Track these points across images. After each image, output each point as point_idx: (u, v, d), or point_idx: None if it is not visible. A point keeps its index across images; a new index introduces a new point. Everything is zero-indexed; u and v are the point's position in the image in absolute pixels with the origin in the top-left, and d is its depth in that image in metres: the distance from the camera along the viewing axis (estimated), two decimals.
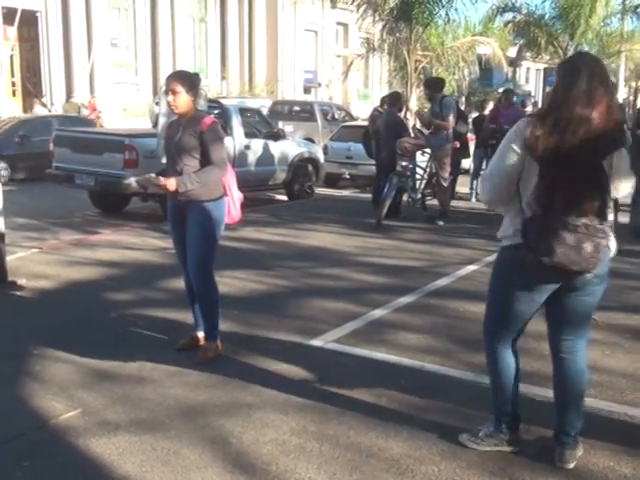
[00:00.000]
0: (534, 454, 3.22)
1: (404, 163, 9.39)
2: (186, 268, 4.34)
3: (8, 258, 6.13)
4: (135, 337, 4.72)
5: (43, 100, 21.20)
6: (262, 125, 11.36)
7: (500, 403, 3.22)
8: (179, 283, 4.74)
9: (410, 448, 3.27)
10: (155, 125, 10.52)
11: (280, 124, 16.36)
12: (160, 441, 3.30)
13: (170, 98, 4.10)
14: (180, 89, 4.08)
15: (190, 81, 4.16)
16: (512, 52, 28.79)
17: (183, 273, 4.44)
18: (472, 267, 6.63)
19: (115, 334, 4.75)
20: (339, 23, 35.69)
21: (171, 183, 4.04)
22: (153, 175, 4.21)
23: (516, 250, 2.88)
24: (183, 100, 4.11)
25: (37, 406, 3.65)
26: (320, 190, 12.68)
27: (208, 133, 4.11)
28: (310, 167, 11.94)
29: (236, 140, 10.40)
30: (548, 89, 26.73)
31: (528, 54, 25.25)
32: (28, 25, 23.31)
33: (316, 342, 4.66)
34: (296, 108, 19.54)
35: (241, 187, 4.62)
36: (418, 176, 9.98)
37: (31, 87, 23.70)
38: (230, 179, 4.38)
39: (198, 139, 4.11)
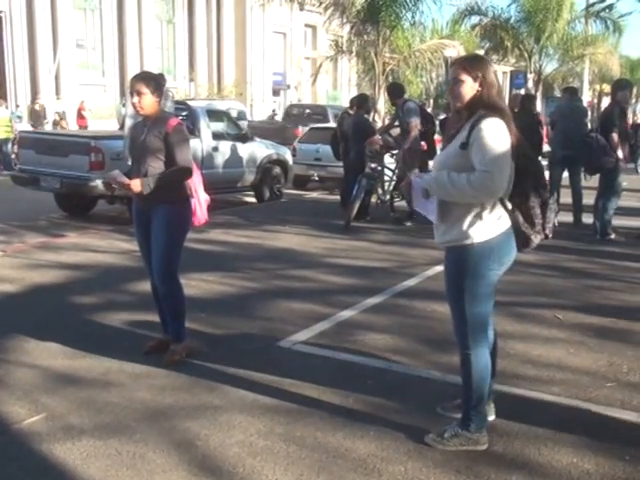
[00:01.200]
0: (499, 452, 3.26)
1: (373, 165, 9.43)
2: (152, 271, 4.30)
3: None
4: (101, 340, 4.66)
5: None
6: (230, 127, 11.33)
7: (476, 403, 3.25)
8: (145, 286, 4.70)
9: (377, 448, 3.28)
10: (122, 127, 10.45)
11: (300, 128, 16.48)
12: (125, 445, 3.27)
13: (135, 99, 4.06)
14: (145, 90, 4.05)
15: (155, 82, 4.13)
16: None
17: (149, 276, 4.40)
18: (439, 267, 6.65)
19: (81, 337, 4.69)
20: (307, 25, 35.81)
21: (135, 184, 4.01)
22: (117, 171, 4.16)
23: (502, 239, 3.08)
24: (148, 101, 4.08)
25: (0, 411, 3.59)
26: (289, 192, 12.68)
27: (173, 134, 4.09)
28: (279, 169, 11.93)
29: (204, 142, 10.35)
30: (515, 91, 27.08)
31: (494, 57, 25.57)
32: None
33: (284, 343, 4.65)
34: (309, 111, 20.05)
35: (209, 189, 4.59)
36: (386, 178, 10.04)
37: None
38: (196, 181, 4.35)
39: (163, 140, 4.08)
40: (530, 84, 25.57)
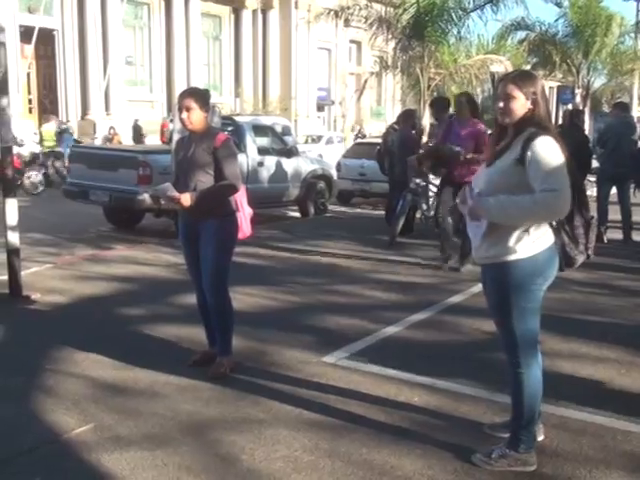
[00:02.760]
0: (549, 474, 3.18)
1: (417, 180, 9.38)
2: (199, 284, 4.34)
3: (23, 273, 6.17)
4: (147, 352, 4.71)
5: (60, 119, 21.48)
6: (275, 142, 11.42)
7: (527, 423, 3.19)
8: (192, 299, 4.74)
9: (423, 466, 3.24)
10: (169, 142, 10.62)
11: None
12: (172, 457, 3.29)
13: (184, 115, 4.11)
14: (194, 105, 4.10)
15: (203, 97, 4.18)
16: None
17: (195, 289, 4.44)
18: None
19: (128, 349, 4.75)
20: (352, 41, 36.00)
21: (185, 198, 4.06)
22: (168, 184, 4.20)
23: (546, 255, 3.04)
24: (197, 116, 4.12)
25: (50, 420, 3.65)
26: (333, 207, 12.70)
27: (221, 149, 4.13)
28: (323, 184, 11.97)
29: (249, 157, 10.45)
30: (563, 107, 26.72)
31: (541, 72, 25.30)
32: (45, 43, 23.67)
33: (328, 358, 4.64)
34: None
35: (254, 204, 4.63)
36: (431, 193, 9.98)
37: (48, 104, 23.98)
38: (241, 195, 4.39)
39: (211, 155, 4.12)
40: (578, 99, 25.22)
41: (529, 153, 2.94)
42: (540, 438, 3.40)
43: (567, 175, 2.93)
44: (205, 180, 4.14)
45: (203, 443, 3.43)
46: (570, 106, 25.03)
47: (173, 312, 5.71)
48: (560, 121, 12.09)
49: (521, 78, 3.10)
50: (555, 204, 2.91)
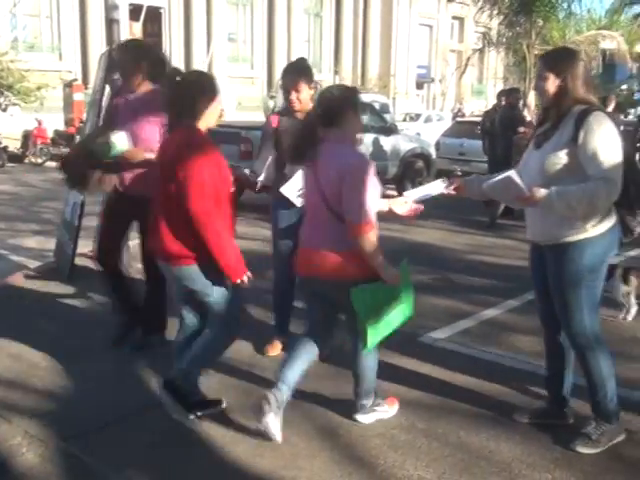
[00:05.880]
0: None
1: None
2: None
3: None
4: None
5: None
6: (374, 120, 11.34)
7: (605, 392, 3.18)
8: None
9: (522, 453, 3.17)
10: None
11: None
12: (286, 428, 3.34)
13: (293, 96, 4.02)
14: (303, 85, 4.01)
15: (310, 74, 4.10)
16: None
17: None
18: None
19: None
20: (455, 17, 35.30)
21: None
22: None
23: (613, 231, 3.04)
24: (306, 96, 4.04)
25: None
26: None
27: None
28: (421, 163, 11.82)
29: None
30: None
31: None
32: (152, 21, 24.33)
33: (425, 339, 4.61)
34: None
35: None
36: None
37: None
38: None
39: None
40: None
41: (582, 132, 2.89)
42: None
43: (620, 157, 2.89)
44: None
45: (300, 415, 3.48)
46: None
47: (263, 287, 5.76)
48: None
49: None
50: (611, 192, 2.89)
